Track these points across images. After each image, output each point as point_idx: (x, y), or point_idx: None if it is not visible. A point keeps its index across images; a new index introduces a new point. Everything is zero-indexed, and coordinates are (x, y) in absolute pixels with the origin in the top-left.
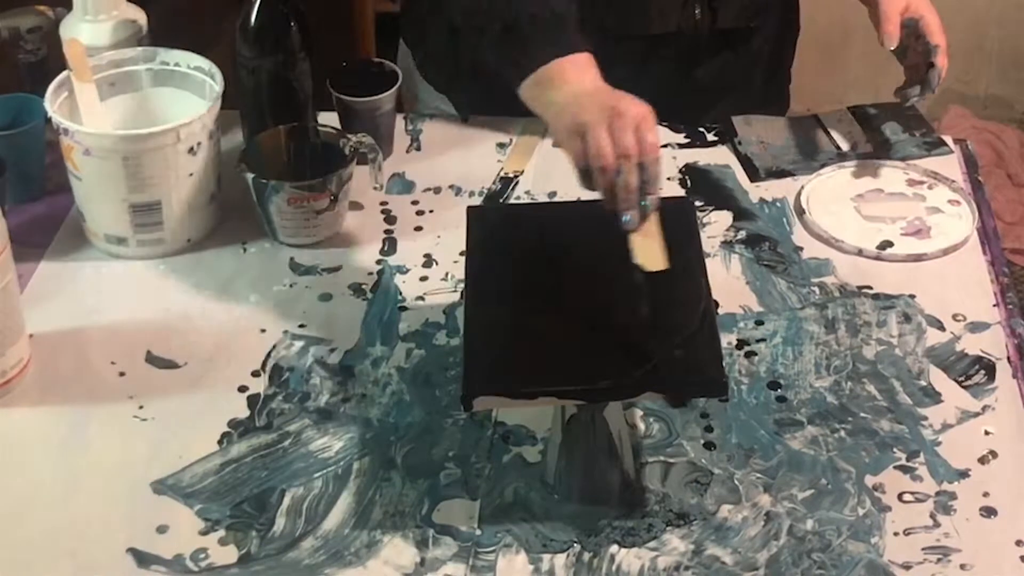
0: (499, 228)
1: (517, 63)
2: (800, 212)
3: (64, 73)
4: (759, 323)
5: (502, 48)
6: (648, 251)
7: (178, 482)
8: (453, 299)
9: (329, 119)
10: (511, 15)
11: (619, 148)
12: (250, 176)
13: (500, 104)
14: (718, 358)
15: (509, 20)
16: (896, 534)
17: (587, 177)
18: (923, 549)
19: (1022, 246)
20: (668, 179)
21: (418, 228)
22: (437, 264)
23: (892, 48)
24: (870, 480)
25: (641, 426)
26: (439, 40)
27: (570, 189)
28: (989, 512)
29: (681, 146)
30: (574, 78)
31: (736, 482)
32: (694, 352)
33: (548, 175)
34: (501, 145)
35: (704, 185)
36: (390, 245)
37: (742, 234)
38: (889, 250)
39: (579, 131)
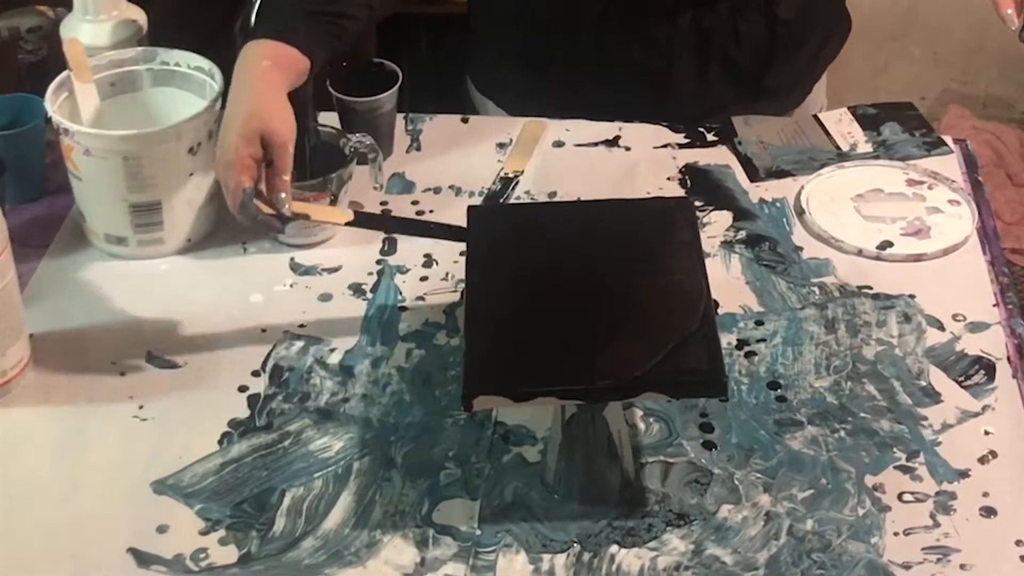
0: (499, 228)
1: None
2: (800, 212)
3: (64, 73)
4: (759, 323)
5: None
6: (329, 214)
7: (178, 482)
8: (453, 299)
9: (329, 119)
10: None
11: None
12: None
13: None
14: (718, 358)
15: None
16: (896, 534)
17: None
18: (923, 549)
19: (1022, 246)
20: (668, 179)
21: None
22: (437, 264)
23: (1015, 28)
24: (870, 480)
25: (641, 426)
26: None
27: (570, 189)
28: (989, 512)
29: (681, 146)
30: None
31: (736, 482)
32: (694, 352)
33: (548, 175)
34: (501, 145)
35: (704, 185)
36: (390, 245)
37: (742, 234)
38: (889, 250)
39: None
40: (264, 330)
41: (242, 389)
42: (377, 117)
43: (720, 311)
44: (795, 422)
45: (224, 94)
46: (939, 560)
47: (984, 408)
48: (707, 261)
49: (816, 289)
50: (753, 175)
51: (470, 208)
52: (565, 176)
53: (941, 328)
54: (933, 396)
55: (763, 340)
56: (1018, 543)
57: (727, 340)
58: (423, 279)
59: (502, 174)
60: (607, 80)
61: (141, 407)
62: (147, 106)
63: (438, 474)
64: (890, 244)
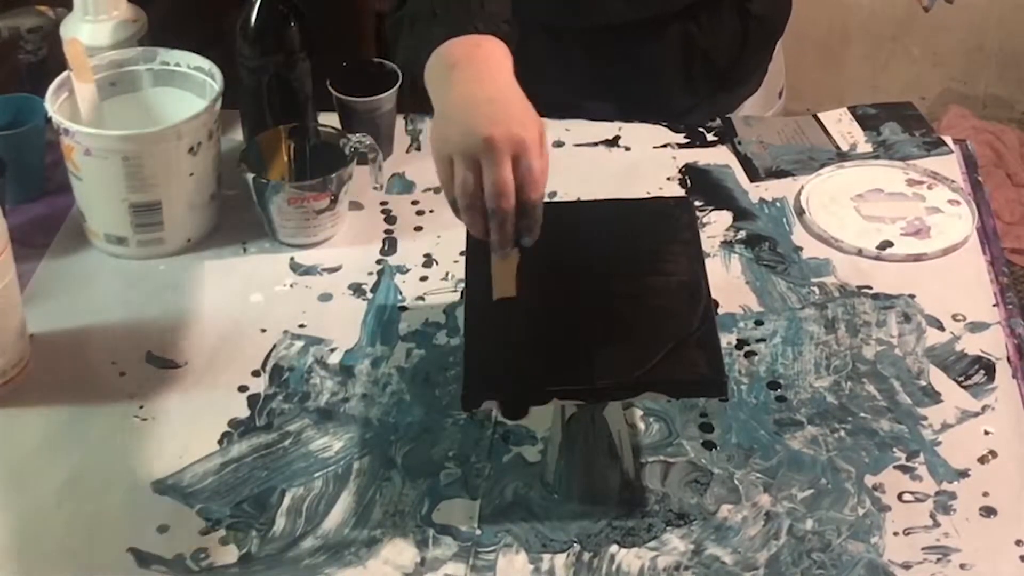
0: None
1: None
2: (800, 212)
3: (64, 73)
4: (759, 323)
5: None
6: (502, 277)
7: (178, 482)
8: (453, 299)
9: (329, 119)
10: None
11: (490, 186)
12: (250, 176)
13: None
14: (718, 358)
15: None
16: (896, 534)
17: (456, 209)
18: (923, 549)
19: (1022, 246)
20: (668, 179)
21: (418, 228)
22: (437, 264)
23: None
24: (870, 480)
25: (641, 426)
26: None
27: (570, 189)
28: (989, 512)
29: (681, 146)
30: (473, 72)
31: (736, 482)
32: (694, 352)
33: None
34: None
35: (704, 185)
36: (390, 245)
37: (742, 234)
38: (889, 250)
39: (445, 154)
40: (264, 330)
41: (242, 389)
42: (377, 117)
43: (720, 311)
44: (795, 422)
45: (224, 94)
46: (939, 560)
47: (984, 408)
48: (707, 261)
49: (816, 289)
50: (753, 175)
51: None
52: (565, 176)
53: (941, 328)
54: (933, 396)
55: (763, 340)
56: (1018, 543)
57: (727, 340)
58: (423, 279)
59: None
60: (597, 94)
61: (141, 407)
62: (147, 106)
63: (438, 474)
64: (890, 244)
